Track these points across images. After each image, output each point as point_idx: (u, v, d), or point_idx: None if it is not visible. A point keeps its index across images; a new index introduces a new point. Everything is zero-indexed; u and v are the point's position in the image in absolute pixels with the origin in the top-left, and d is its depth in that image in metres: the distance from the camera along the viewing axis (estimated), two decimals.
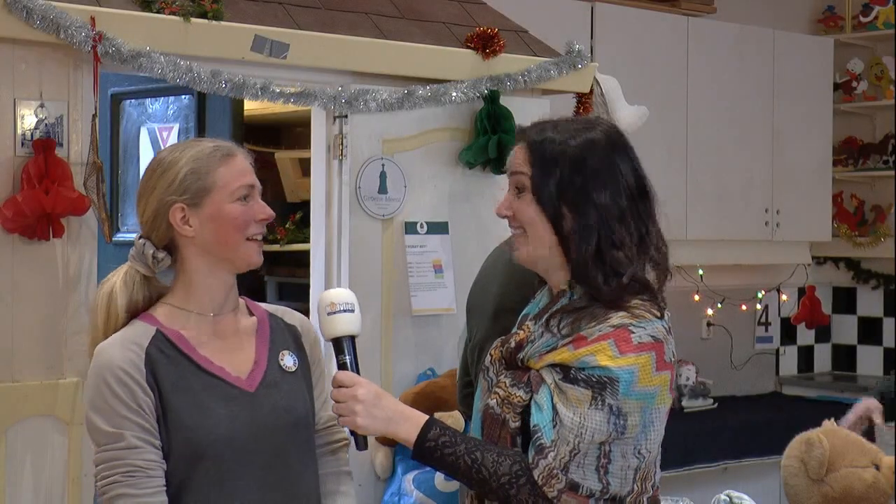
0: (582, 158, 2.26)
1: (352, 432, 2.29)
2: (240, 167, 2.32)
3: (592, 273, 2.24)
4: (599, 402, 2.16)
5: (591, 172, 2.26)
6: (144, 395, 2.20)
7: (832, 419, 3.30)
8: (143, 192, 2.32)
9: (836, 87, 6.95)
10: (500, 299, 2.85)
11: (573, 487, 2.17)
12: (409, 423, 2.26)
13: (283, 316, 2.45)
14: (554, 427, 2.17)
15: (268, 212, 2.33)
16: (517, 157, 2.33)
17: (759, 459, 5.73)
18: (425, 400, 4.00)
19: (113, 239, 3.78)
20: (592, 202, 2.25)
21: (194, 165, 2.28)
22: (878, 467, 3.03)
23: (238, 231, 2.29)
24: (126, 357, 2.21)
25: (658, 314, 2.25)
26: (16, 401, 3.51)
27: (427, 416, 2.27)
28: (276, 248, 5.33)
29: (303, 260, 4.65)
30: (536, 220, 2.29)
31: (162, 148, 5.07)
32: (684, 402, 6.09)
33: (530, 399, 2.23)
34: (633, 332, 2.20)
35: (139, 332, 2.26)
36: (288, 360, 2.37)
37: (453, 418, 3.70)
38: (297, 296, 5.12)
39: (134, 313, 2.31)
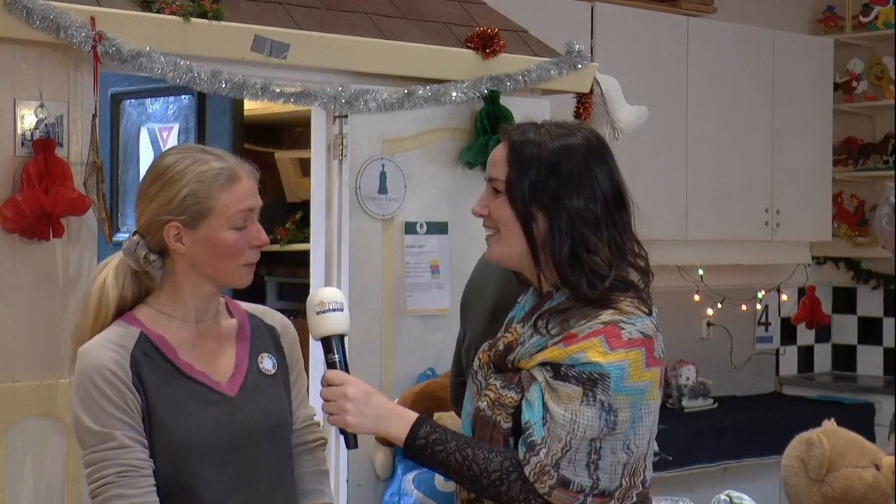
0: (556, 162, 2.27)
1: (342, 431, 2.29)
2: (242, 192, 2.29)
3: (575, 277, 2.25)
4: (591, 399, 2.17)
5: (565, 177, 2.26)
6: (132, 396, 2.21)
7: (832, 419, 3.29)
8: (142, 198, 2.30)
9: (836, 87, 6.95)
10: (497, 300, 2.85)
11: (564, 484, 2.18)
12: (400, 422, 2.26)
13: (262, 316, 2.45)
14: (544, 424, 2.18)
15: (262, 238, 2.31)
16: (496, 156, 2.34)
17: (759, 459, 5.73)
18: (425, 400, 4.00)
19: (113, 239, 3.78)
20: (564, 207, 2.25)
21: (195, 188, 2.25)
22: (878, 467, 3.02)
23: (231, 258, 2.28)
24: (112, 358, 2.21)
25: (646, 311, 2.25)
26: (16, 401, 3.51)
27: (417, 415, 2.27)
28: (276, 248, 5.33)
29: (303, 260, 4.65)
30: (509, 222, 2.29)
31: (163, 149, 5.09)
32: (684, 402, 6.09)
33: (521, 399, 2.24)
34: (623, 329, 2.21)
35: (123, 335, 2.26)
36: (267, 363, 2.37)
37: (453, 418, 3.70)
38: (297, 296, 5.12)
39: (121, 308, 2.31)
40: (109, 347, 2.23)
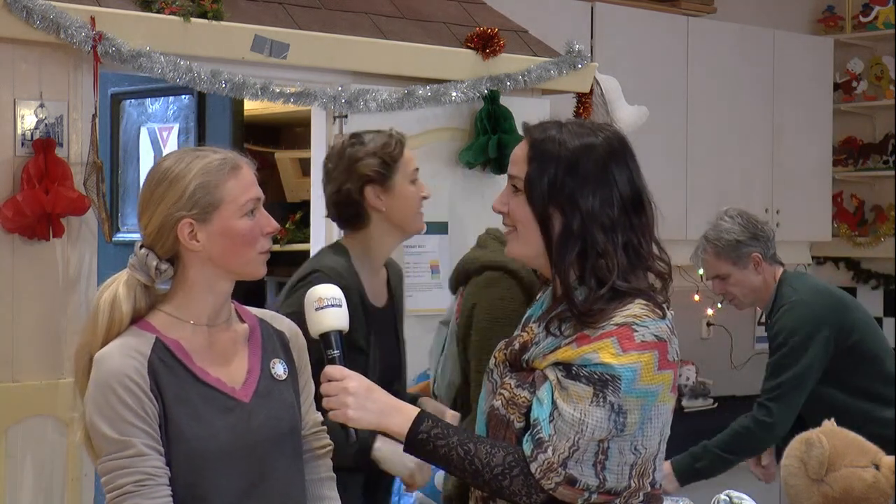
0: (576, 161, 2.25)
1: (342, 426, 2.29)
2: (247, 180, 2.30)
3: (570, 278, 2.24)
4: (601, 400, 2.17)
5: (582, 177, 2.25)
6: (150, 403, 2.19)
7: (832, 419, 3.30)
8: (148, 204, 2.28)
9: (836, 87, 6.95)
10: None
11: (570, 481, 2.18)
12: (401, 416, 2.26)
13: (271, 321, 2.45)
14: (551, 422, 2.18)
15: (274, 225, 2.32)
16: (517, 154, 2.33)
17: None
18: None
19: (113, 239, 3.78)
20: (579, 207, 2.24)
21: (203, 179, 2.25)
22: (878, 467, 3.03)
23: (248, 246, 2.28)
24: (131, 365, 2.20)
25: (661, 314, 2.25)
26: (16, 401, 3.51)
27: (419, 409, 2.27)
28: (276, 248, 5.30)
29: (303, 260, 4.65)
30: (527, 220, 2.29)
31: (162, 149, 5.10)
32: (684, 402, 6.09)
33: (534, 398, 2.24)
34: (636, 331, 2.20)
35: (140, 341, 2.24)
36: (279, 369, 2.37)
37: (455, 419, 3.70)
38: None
39: (134, 320, 2.29)
40: (128, 354, 2.21)
